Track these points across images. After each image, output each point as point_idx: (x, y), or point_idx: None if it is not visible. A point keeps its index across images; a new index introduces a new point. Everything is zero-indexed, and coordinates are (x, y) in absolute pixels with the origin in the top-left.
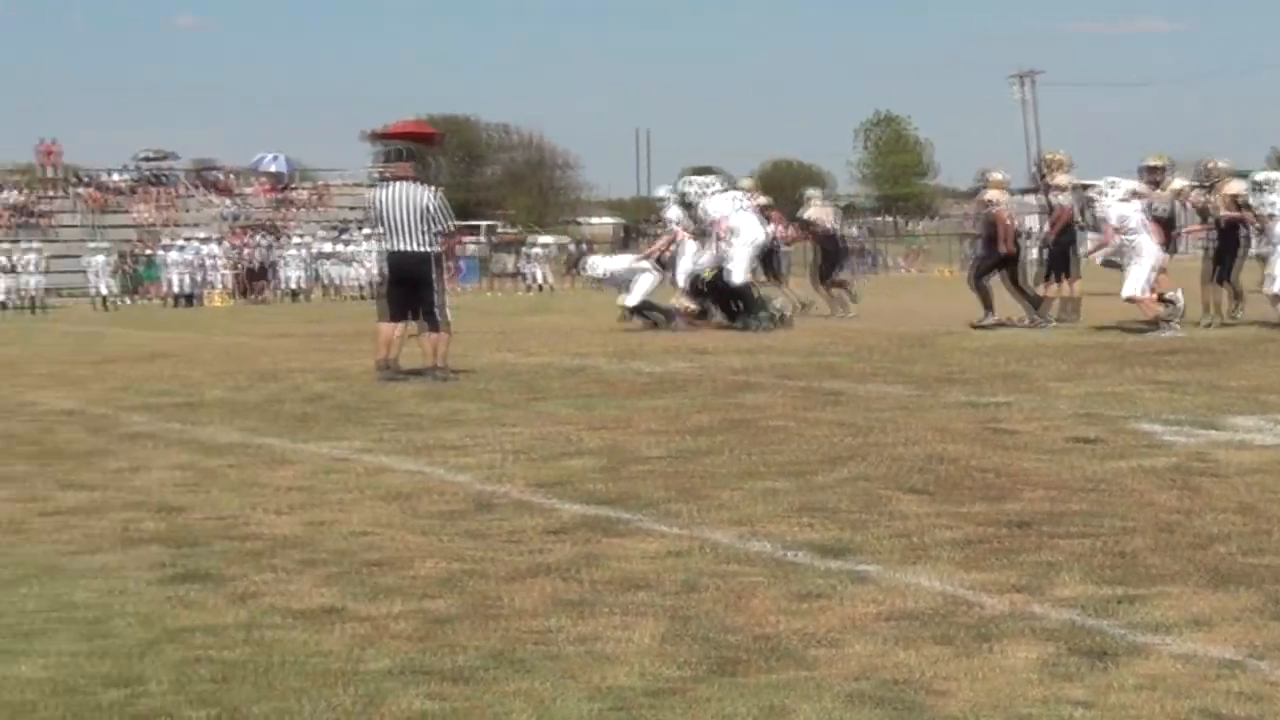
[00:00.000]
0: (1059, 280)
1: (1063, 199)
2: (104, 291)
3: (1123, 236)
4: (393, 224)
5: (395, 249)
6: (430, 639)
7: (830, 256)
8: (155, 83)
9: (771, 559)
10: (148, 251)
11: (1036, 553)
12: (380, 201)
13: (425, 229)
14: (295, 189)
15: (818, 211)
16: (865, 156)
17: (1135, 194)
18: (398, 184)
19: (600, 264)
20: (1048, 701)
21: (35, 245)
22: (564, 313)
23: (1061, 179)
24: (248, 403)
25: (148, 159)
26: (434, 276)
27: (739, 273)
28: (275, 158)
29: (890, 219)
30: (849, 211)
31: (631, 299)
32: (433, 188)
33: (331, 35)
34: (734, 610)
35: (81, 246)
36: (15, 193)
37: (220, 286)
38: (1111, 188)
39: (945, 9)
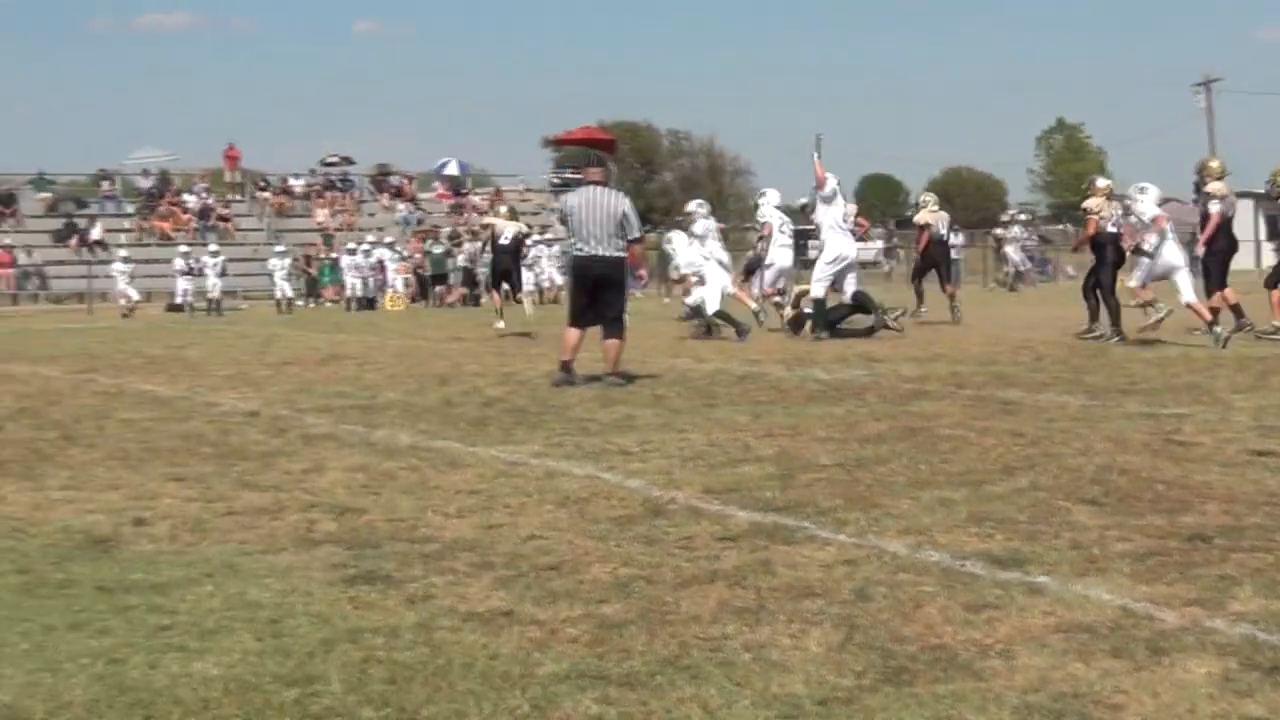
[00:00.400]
0: (1219, 288)
1: (1214, 206)
2: (288, 294)
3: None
4: (583, 228)
5: (584, 253)
6: (602, 644)
7: (931, 261)
8: (337, 88)
9: (944, 569)
10: (332, 255)
11: (1213, 566)
12: (572, 205)
13: (616, 234)
14: (471, 194)
15: (931, 216)
16: (1043, 164)
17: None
18: (591, 188)
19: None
20: (1224, 717)
21: (215, 248)
22: (739, 318)
23: (1214, 187)
24: (423, 406)
25: (328, 164)
26: (623, 281)
27: (817, 287)
28: (453, 162)
29: (1065, 227)
30: (1025, 224)
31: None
32: (624, 194)
33: (510, 41)
34: (906, 620)
35: (261, 250)
36: (197, 197)
37: (396, 289)
38: (1141, 193)
39: (1126, 15)
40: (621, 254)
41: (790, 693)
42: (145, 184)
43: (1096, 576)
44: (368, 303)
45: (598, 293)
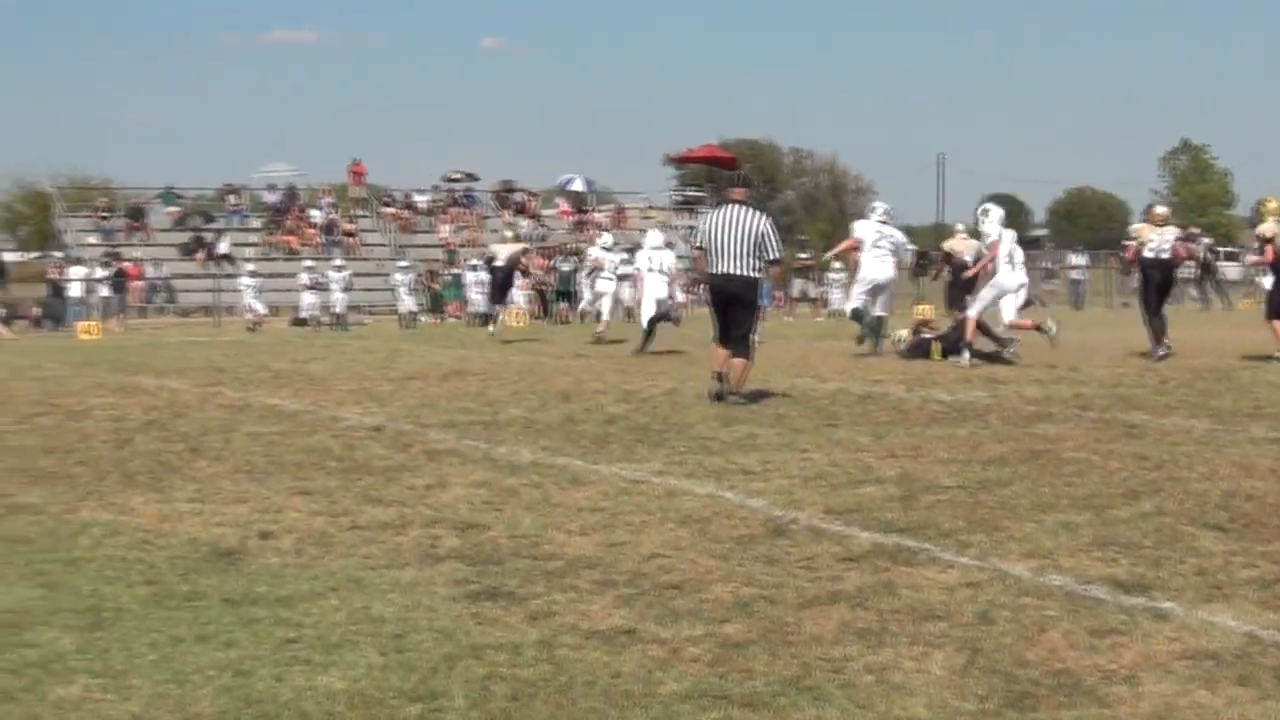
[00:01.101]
0: None
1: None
2: (411, 309)
3: None
4: (721, 247)
5: (720, 271)
6: (724, 663)
7: (965, 286)
8: (462, 104)
9: (1068, 593)
10: (454, 271)
11: None
12: (711, 224)
13: (755, 254)
14: (594, 211)
15: (959, 244)
16: (1168, 185)
17: None
18: (731, 207)
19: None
20: None
21: (340, 263)
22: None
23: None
24: (546, 422)
25: (452, 180)
26: (755, 302)
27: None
28: (578, 178)
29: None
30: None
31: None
32: (765, 214)
33: (634, 58)
34: (1029, 644)
35: (385, 265)
36: (322, 212)
37: (518, 305)
38: (984, 215)
39: (1252, 35)
40: (757, 274)
41: (912, 716)
42: (271, 199)
43: (1222, 603)
44: (490, 318)
45: (729, 310)
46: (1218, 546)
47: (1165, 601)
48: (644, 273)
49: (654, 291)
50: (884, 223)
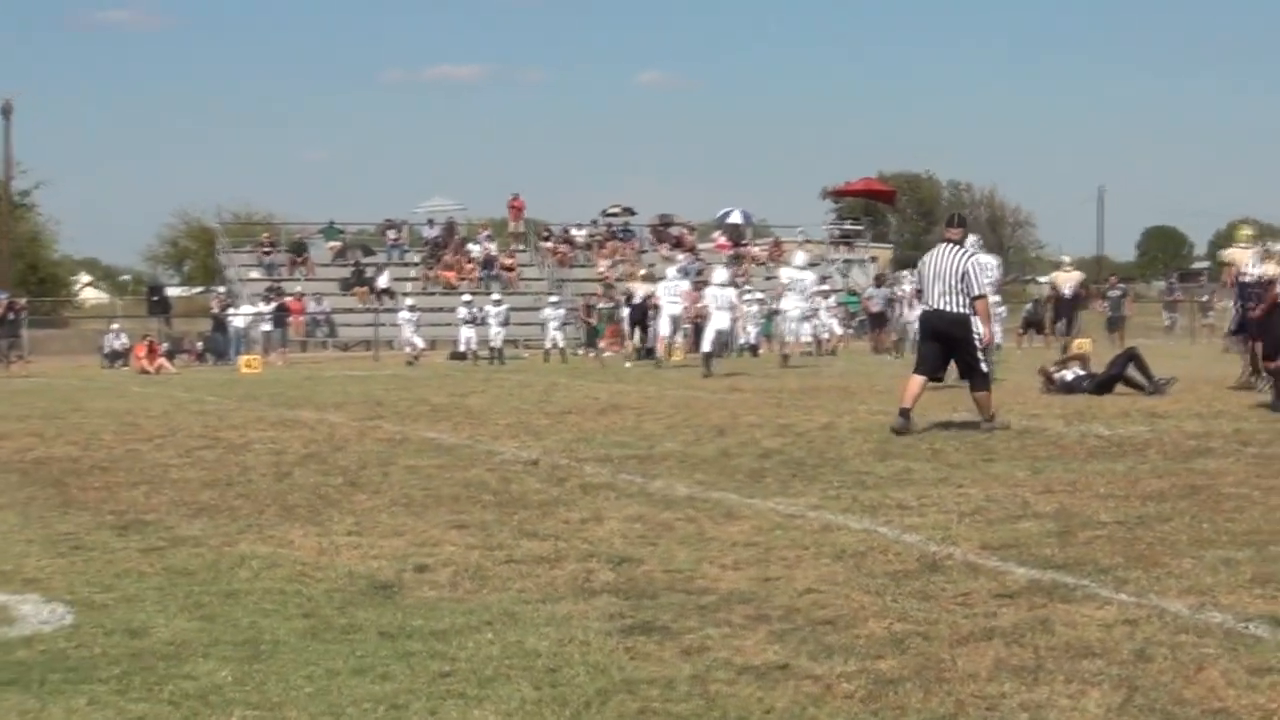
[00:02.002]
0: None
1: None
2: (559, 344)
3: None
4: (928, 283)
5: (929, 307)
6: (877, 700)
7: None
8: (621, 138)
9: (1227, 630)
10: (610, 304)
11: None
12: (923, 262)
13: (960, 291)
14: (751, 245)
15: (1063, 277)
16: None
17: None
18: (942, 245)
19: None
20: None
21: (498, 297)
22: (1016, 372)
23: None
24: (701, 456)
25: (610, 214)
26: (969, 337)
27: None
28: (737, 211)
29: None
30: None
31: None
32: (969, 252)
33: (792, 91)
34: (1187, 682)
35: (543, 300)
36: (480, 246)
37: (675, 341)
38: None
39: None
40: (964, 311)
41: None
42: (430, 233)
43: None
44: (647, 353)
45: (944, 347)
46: None
47: None
48: (711, 308)
49: (717, 323)
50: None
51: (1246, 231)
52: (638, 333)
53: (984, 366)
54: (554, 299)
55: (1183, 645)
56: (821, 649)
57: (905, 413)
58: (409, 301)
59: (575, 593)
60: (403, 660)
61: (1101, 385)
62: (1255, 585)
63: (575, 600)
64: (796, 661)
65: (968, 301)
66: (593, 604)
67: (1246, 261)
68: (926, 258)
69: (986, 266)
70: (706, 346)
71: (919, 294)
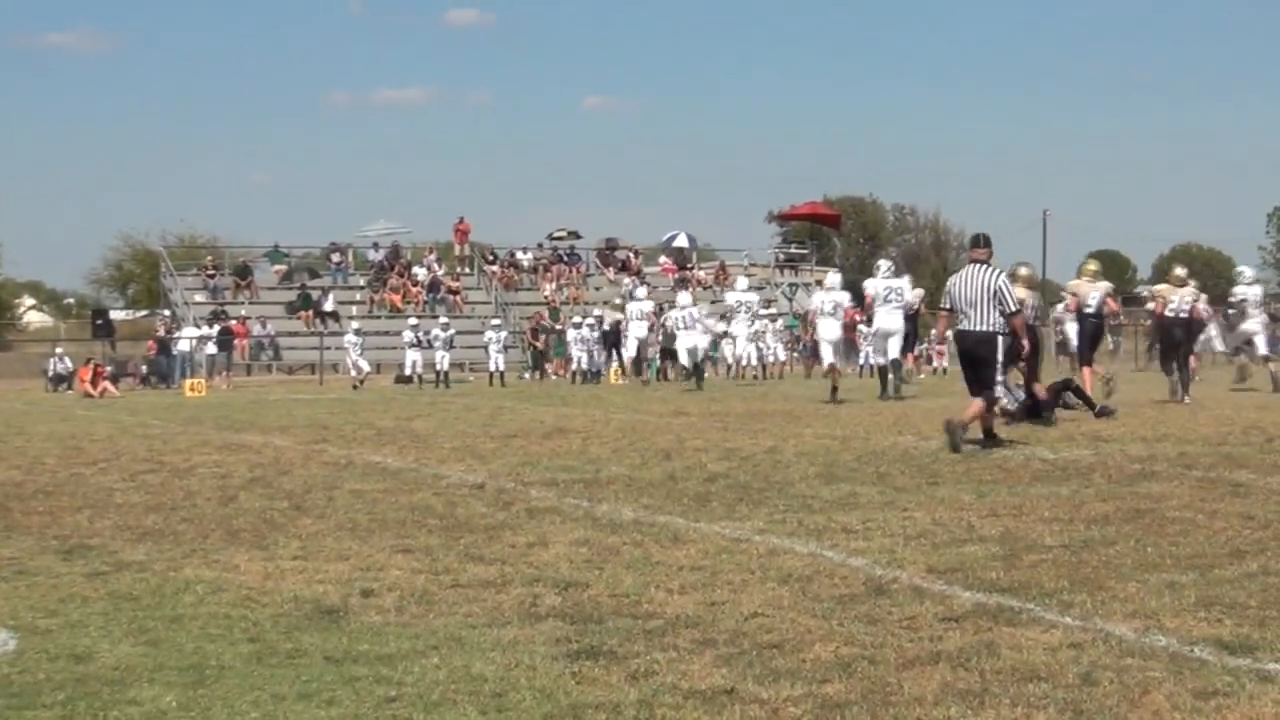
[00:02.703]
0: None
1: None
2: (500, 367)
3: None
4: (961, 303)
5: (962, 326)
6: None
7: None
8: (566, 162)
9: (1172, 654)
10: (557, 328)
11: None
12: (952, 282)
13: (992, 308)
14: (696, 268)
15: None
16: (1275, 240)
17: None
18: (971, 266)
19: None
20: None
21: (445, 321)
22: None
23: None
24: (647, 480)
25: (556, 238)
26: (992, 356)
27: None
28: (682, 234)
29: None
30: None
31: None
32: (999, 270)
33: (737, 116)
34: (1132, 706)
35: (489, 323)
36: (426, 269)
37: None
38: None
39: None
40: (992, 329)
41: None
42: (375, 256)
43: None
44: (593, 376)
45: (974, 362)
46: None
47: (1271, 663)
48: (680, 328)
49: (687, 342)
50: (889, 276)
51: (1092, 267)
52: (615, 356)
53: (998, 392)
54: (495, 322)
55: (1128, 669)
56: (768, 673)
57: (963, 425)
58: (355, 325)
59: (521, 617)
60: (348, 685)
61: (1031, 412)
62: (1200, 608)
63: (521, 625)
64: (743, 686)
65: (998, 319)
66: (539, 628)
67: (1089, 294)
68: (956, 278)
69: (899, 289)
70: (685, 360)
71: (949, 312)
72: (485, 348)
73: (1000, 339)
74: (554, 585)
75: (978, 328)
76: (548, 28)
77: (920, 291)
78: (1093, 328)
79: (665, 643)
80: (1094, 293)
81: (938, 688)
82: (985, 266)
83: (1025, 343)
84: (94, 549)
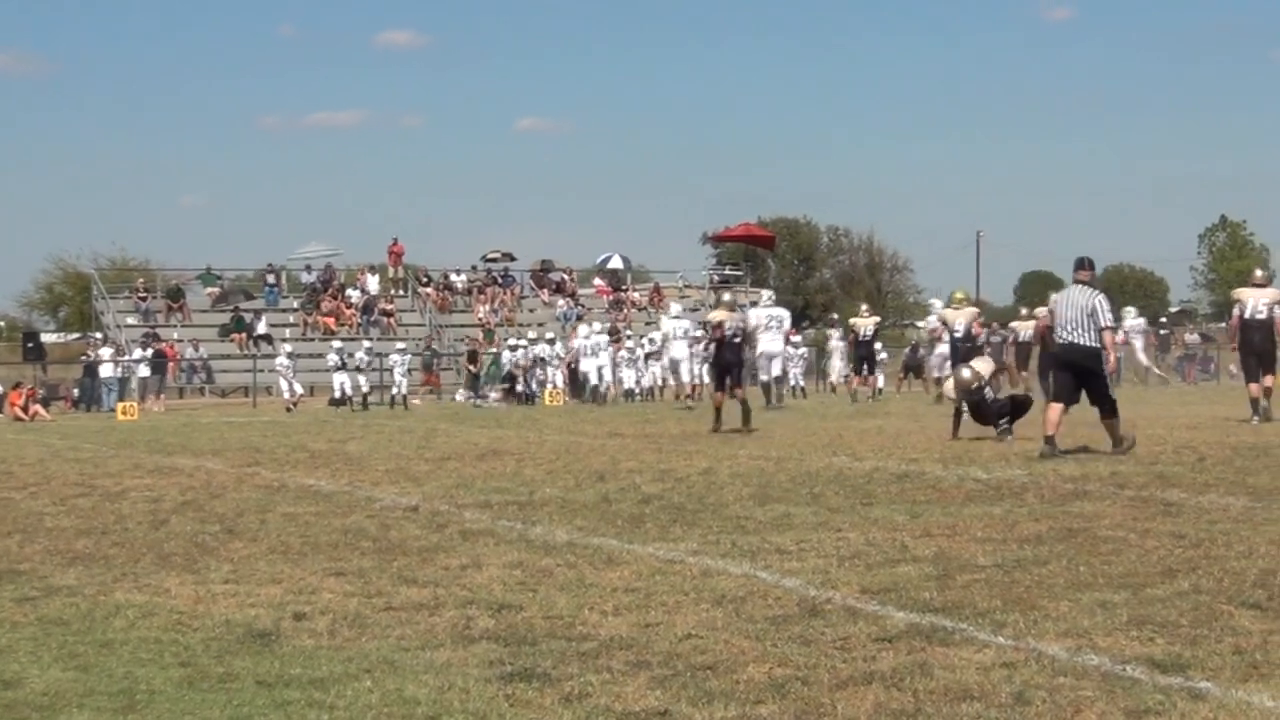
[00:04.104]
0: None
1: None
2: (403, 390)
3: None
4: (1063, 319)
5: (1063, 340)
6: None
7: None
8: (500, 184)
9: (1104, 673)
10: (493, 350)
11: None
12: (1055, 300)
13: (1091, 324)
14: (631, 290)
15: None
16: (1205, 262)
17: None
18: (1073, 286)
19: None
20: None
21: (369, 344)
22: (895, 416)
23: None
24: (581, 502)
25: (490, 260)
26: (1100, 369)
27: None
28: (615, 256)
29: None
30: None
31: None
32: (1098, 290)
33: (670, 138)
34: None
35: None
36: (360, 291)
37: (556, 385)
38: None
39: None
40: (1095, 344)
41: None
42: (309, 279)
43: (1259, 682)
44: (527, 398)
45: (1078, 377)
46: (1255, 625)
47: (1202, 681)
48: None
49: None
50: (770, 307)
51: (959, 295)
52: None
53: (1113, 395)
54: (400, 345)
55: (1061, 688)
56: (702, 694)
57: (1050, 440)
58: (287, 348)
59: (455, 640)
60: (280, 709)
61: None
62: (1132, 627)
63: (455, 647)
64: (677, 707)
65: (1098, 336)
66: (472, 651)
67: (956, 320)
68: (1060, 296)
69: (779, 318)
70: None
71: (1051, 329)
72: (390, 370)
73: (1102, 353)
74: (488, 607)
75: (1083, 343)
76: (480, 50)
77: (973, 311)
78: (964, 350)
79: (599, 664)
80: (960, 319)
81: (871, 708)
82: (1086, 287)
83: (1113, 356)
84: (24, 574)
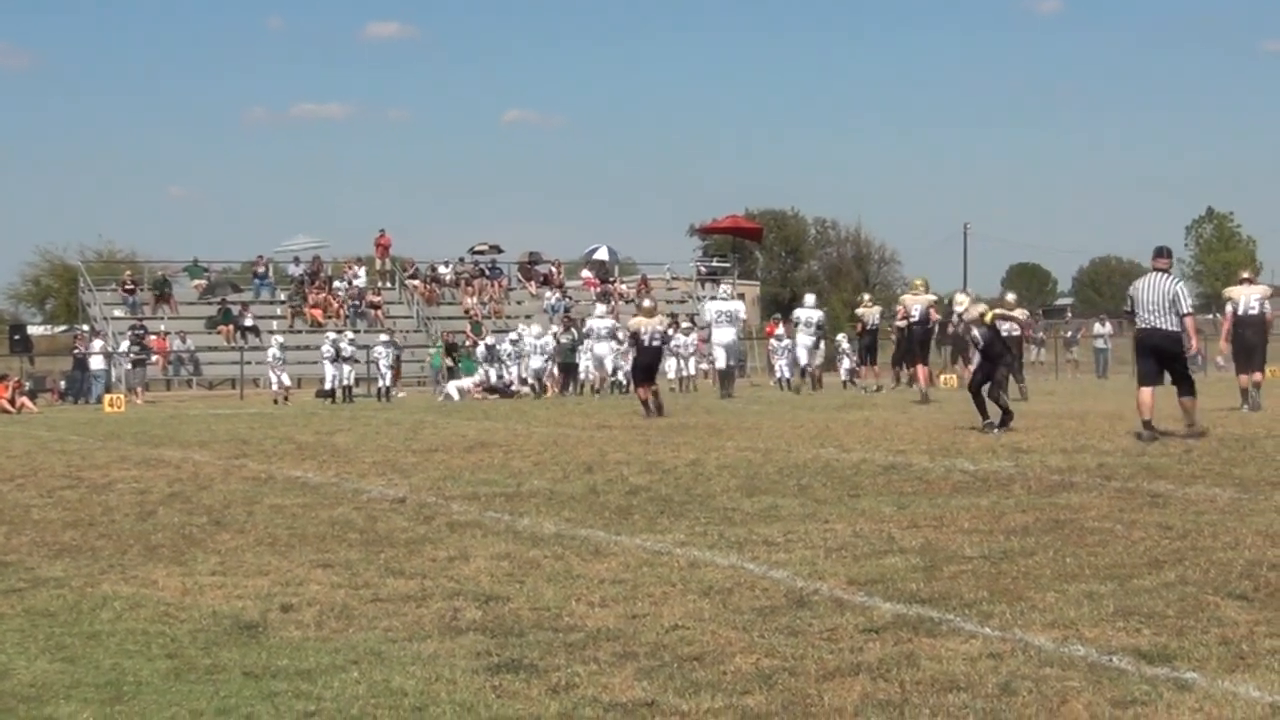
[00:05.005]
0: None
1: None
2: (386, 383)
3: None
4: (1144, 305)
5: (1146, 325)
6: None
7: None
8: (487, 177)
9: (1090, 664)
10: (471, 343)
11: None
12: (1136, 286)
13: (1172, 310)
14: (618, 282)
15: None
16: (1192, 254)
17: None
18: (1153, 274)
19: None
20: None
21: (352, 335)
22: (882, 408)
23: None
24: (568, 494)
25: (477, 252)
26: (1181, 352)
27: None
28: (603, 247)
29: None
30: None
31: None
32: (1178, 278)
33: (658, 130)
34: (1051, 715)
35: (410, 337)
36: (347, 283)
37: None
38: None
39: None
40: (1176, 329)
41: None
42: (296, 271)
43: (1245, 673)
44: (507, 391)
45: (1160, 360)
46: (1242, 616)
47: (1188, 672)
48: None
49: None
50: (726, 301)
51: (918, 283)
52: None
53: (1192, 376)
54: (384, 338)
55: (1047, 679)
56: (689, 685)
57: (1147, 424)
58: (279, 339)
59: (442, 631)
60: (267, 700)
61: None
62: (1118, 618)
63: (442, 639)
64: (664, 698)
65: (1179, 320)
66: (459, 642)
67: (914, 306)
68: (1140, 283)
69: (731, 312)
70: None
71: (1130, 313)
72: (375, 363)
73: (1182, 337)
74: (475, 599)
75: (1165, 327)
76: (468, 42)
77: (930, 298)
78: (920, 333)
79: (586, 656)
80: (917, 305)
81: (858, 699)
82: (1165, 275)
83: (1194, 343)
84: (10, 565)
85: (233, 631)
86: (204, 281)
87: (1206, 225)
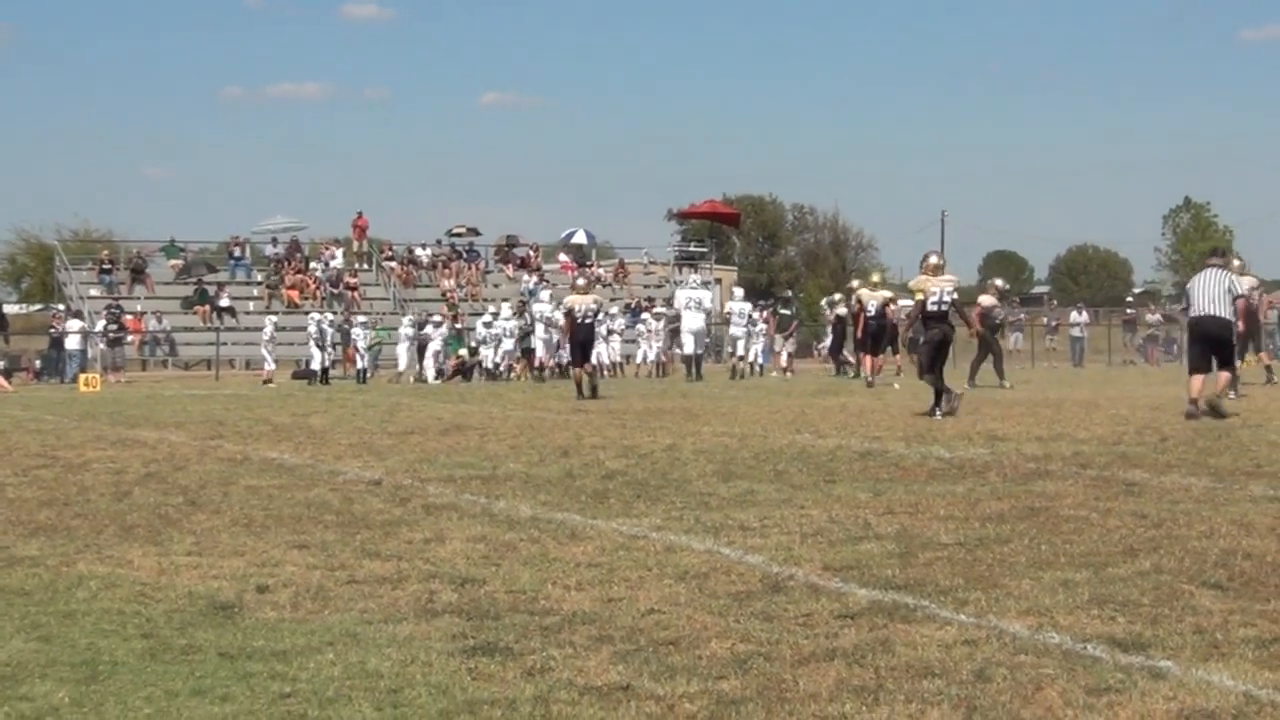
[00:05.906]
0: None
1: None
2: (365, 364)
3: None
4: (1201, 296)
5: (1202, 313)
6: None
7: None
8: (465, 159)
9: (1065, 651)
10: (457, 326)
11: None
12: (1193, 283)
13: (1225, 300)
14: (595, 266)
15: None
16: (1169, 243)
17: None
18: (1209, 270)
19: None
20: None
21: (331, 317)
22: (859, 395)
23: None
24: (545, 477)
25: (455, 234)
26: (1230, 339)
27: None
28: (580, 231)
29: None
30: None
31: None
32: (1229, 273)
33: (637, 114)
34: (1025, 702)
35: (387, 319)
36: (324, 264)
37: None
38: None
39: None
40: (1228, 318)
41: None
42: (273, 251)
43: (1219, 662)
44: (485, 373)
45: (1210, 347)
46: (1216, 605)
47: (1163, 660)
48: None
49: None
50: (695, 289)
51: (875, 278)
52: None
53: (1237, 361)
54: (362, 319)
55: (1021, 666)
56: (664, 669)
57: (1194, 401)
58: (274, 319)
59: (418, 613)
60: (243, 681)
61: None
62: (1093, 606)
63: (418, 621)
64: (639, 682)
65: (1231, 310)
66: (435, 625)
67: (870, 300)
68: (1197, 278)
69: (699, 299)
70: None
71: (1185, 309)
72: (355, 344)
73: (1233, 325)
74: (451, 581)
75: (1218, 314)
76: (446, 23)
77: (1251, 281)
78: (874, 327)
79: (562, 639)
80: (873, 300)
81: (833, 684)
82: (1220, 270)
83: (1242, 323)
84: None
85: (208, 612)
86: (180, 262)
87: (1184, 215)
